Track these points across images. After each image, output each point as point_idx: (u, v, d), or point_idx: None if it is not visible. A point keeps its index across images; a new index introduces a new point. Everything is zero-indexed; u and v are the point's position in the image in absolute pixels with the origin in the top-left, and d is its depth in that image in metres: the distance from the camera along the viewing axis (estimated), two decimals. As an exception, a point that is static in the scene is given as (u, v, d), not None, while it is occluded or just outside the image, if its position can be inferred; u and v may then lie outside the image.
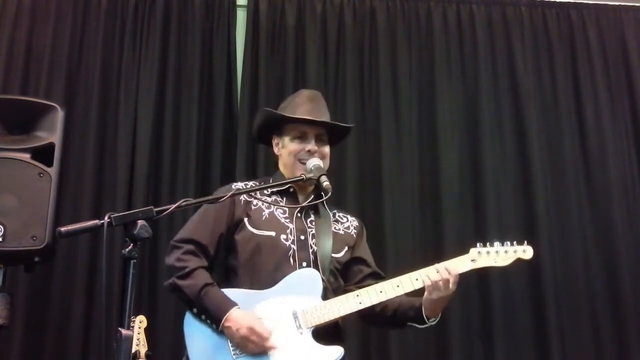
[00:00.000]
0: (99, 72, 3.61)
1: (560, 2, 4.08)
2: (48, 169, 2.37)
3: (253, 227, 2.20)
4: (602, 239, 3.71)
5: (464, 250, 2.19)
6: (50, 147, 2.41)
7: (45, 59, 3.57)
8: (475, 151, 3.77)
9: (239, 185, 2.32)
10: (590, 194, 3.79)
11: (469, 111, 3.84)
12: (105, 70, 3.62)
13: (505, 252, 2.19)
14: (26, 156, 2.37)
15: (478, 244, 2.20)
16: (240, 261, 2.19)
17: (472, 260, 2.18)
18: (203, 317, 2.09)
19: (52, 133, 2.43)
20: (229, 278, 2.22)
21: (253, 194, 2.25)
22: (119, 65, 3.64)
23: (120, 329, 1.50)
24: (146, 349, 2.64)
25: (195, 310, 2.11)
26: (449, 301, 2.15)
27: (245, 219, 2.22)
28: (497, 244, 2.20)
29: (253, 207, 2.25)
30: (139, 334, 2.65)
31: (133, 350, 2.53)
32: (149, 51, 3.66)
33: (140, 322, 2.68)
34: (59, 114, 2.46)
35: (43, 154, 2.39)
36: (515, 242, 2.21)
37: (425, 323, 2.17)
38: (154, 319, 3.11)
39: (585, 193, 3.78)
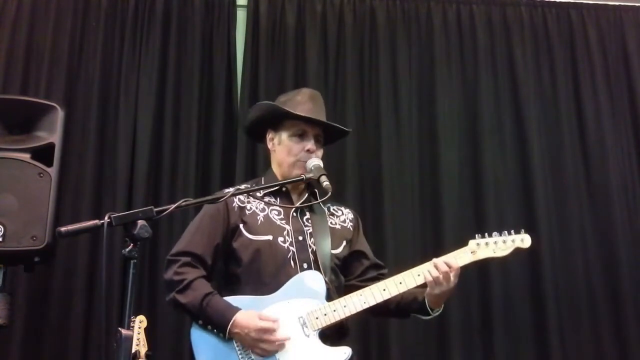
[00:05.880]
0: (99, 72, 3.60)
1: (560, 2, 4.08)
2: (48, 169, 2.37)
3: (250, 233, 2.19)
4: (602, 239, 3.71)
5: (464, 250, 2.21)
6: (50, 147, 2.41)
7: (45, 59, 3.57)
8: (475, 151, 3.77)
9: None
10: (590, 193, 3.79)
11: (469, 111, 3.84)
12: (105, 70, 3.62)
13: (504, 242, 2.22)
14: (26, 156, 2.37)
15: (477, 236, 2.22)
16: (241, 268, 2.18)
17: (472, 252, 2.19)
18: (209, 327, 2.09)
19: (52, 133, 2.43)
20: (231, 285, 2.20)
21: (248, 195, 2.24)
22: (119, 65, 3.63)
23: (120, 329, 1.50)
24: (146, 349, 2.63)
25: (200, 322, 2.11)
26: (451, 293, 2.16)
27: (241, 225, 2.20)
28: (495, 234, 2.22)
29: (247, 213, 2.23)
30: (139, 334, 2.64)
31: (133, 350, 2.52)
32: (149, 51, 3.66)
33: (140, 322, 2.67)
34: (59, 114, 2.46)
35: (43, 154, 2.39)
36: (512, 231, 2.24)
37: (430, 314, 2.20)
38: (154, 319, 3.10)
39: (585, 193, 3.79)
